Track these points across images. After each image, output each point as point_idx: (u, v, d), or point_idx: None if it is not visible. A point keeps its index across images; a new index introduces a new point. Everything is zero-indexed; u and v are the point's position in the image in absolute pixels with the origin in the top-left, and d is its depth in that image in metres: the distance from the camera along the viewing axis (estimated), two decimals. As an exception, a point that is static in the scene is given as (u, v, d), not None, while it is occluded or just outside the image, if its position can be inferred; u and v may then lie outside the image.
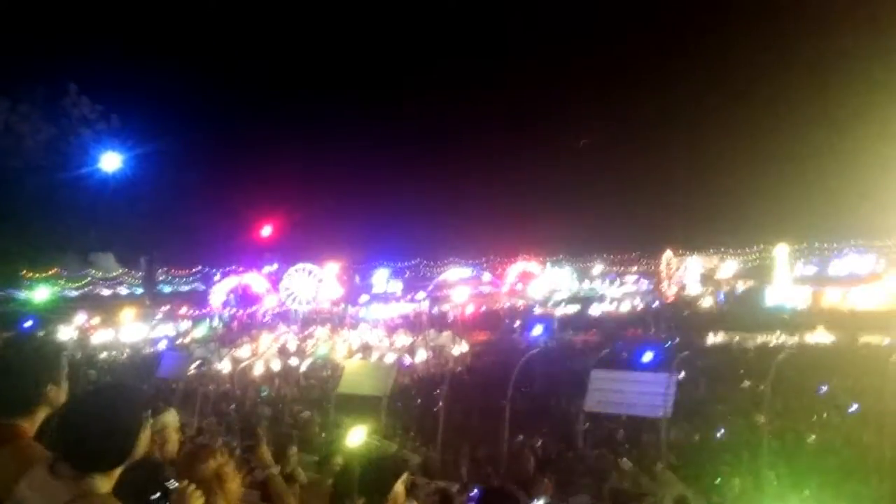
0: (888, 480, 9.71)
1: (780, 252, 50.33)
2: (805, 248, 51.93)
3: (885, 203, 42.72)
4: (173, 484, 2.89)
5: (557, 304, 54.42)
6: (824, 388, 18.89)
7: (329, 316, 48.73)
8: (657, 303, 52.58)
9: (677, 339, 32.28)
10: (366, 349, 32.65)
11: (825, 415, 16.50)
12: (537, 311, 51.52)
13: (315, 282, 52.40)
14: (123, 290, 60.38)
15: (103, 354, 32.77)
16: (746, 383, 20.04)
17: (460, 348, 34.07)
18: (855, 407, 16.01)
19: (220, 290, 52.17)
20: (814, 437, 14.45)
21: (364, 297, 55.70)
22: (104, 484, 2.54)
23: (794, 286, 49.30)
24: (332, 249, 54.81)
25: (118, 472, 2.58)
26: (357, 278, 58.93)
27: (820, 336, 35.33)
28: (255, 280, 53.13)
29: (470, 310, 53.69)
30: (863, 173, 43.39)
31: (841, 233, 50.24)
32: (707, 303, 51.12)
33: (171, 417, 4.17)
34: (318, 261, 54.04)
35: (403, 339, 36.06)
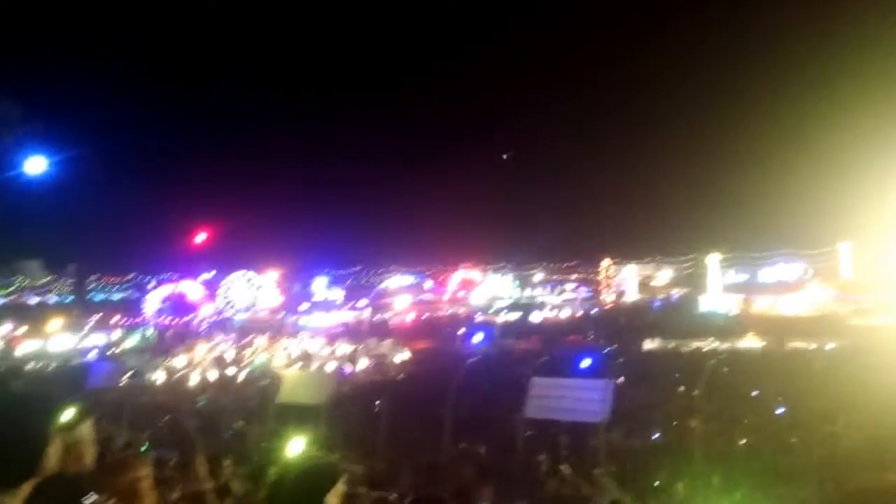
0: (815, 480, 10.02)
1: (713, 261, 51.80)
2: (736, 256, 53.56)
3: (812, 214, 44.44)
4: (90, 498, 2.73)
5: (499, 311, 54.74)
6: (755, 393, 19.43)
7: (268, 324, 47.86)
8: (596, 310, 53.45)
9: (615, 346, 32.84)
10: (306, 358, 32.19)
11: (756, 418, 16.95)
12: (479, 318, 51.70)
13: (253, 290, 51.47)
14: (52, 299, 58.08)
15: (30, 365, 31.45)
16: (681, 388, 20.46)
17: (402, 356, 33.93)
18: (782, 410, 16.51)
19: (155, 299, 50.73)
20: (745, 440, 14.82)
21: (304, 306, 54.93)
22: (10, 502, 2.37)
23: (726, 294, 50.79)
24: (272, 257, 53.94)
25: (25, 488, 2.41)
26: (297, 286, 58.07)
27: (750, 342, 36.44)
28: (190, 288, 51.83)
29: (412, 318, 53.54)
30: (792, 185, 45.09)
31: (770, 242, 52.04)
32: (644, 310, 52.19)
33: (86, 429, 3.96)
34: (257, 268, 53.12)
35: (344, 347, 35.69)
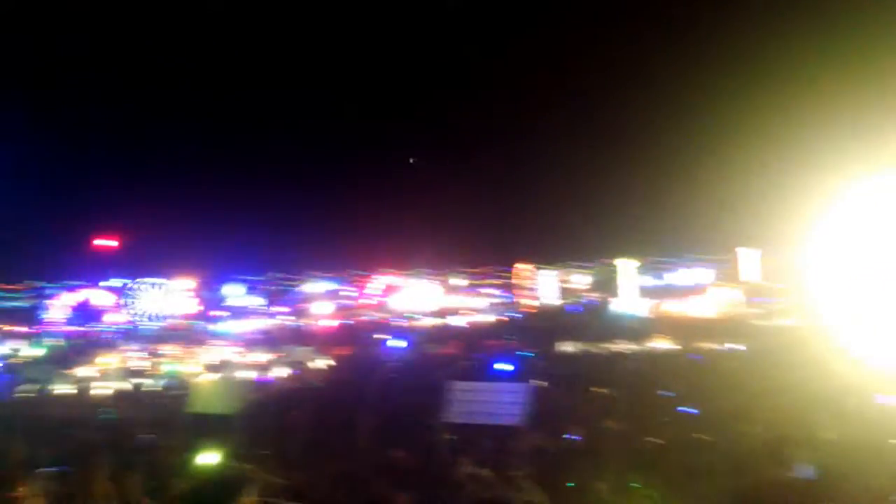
0: (726, 478, 10.33)
1: (626, 266, 53.43)
2: (648, 261, 55.34)
3: (719, 220, 46.32)
4: None
5: (419, 317, 54.76)
6: (666, 393, 20.01)
7: (181, 332, 46.32)
8: (515, 314, 54.20)
9: (535, 349, 33.28)
10: (221, 366, 31.26)
11: (668, 417, 17.43)
12: (400, 324, 51.57)
13: (165, 296, 49.74)
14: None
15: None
16: (601, 390, 20.88)
17: (321, 363, 33.46)
18: (693, 410, 17.01)
19: (59, 306, 48.29)
20: (659, 439, 15.20)
21: (220, 313, 53.46)
22: None
23: (640, 298, 52.45)
24: (185, 263, 52.20)
25: None
26: (212, 293, 56.48)
27: (662, 343, 37.68)
28: (98, 295, 49.60)
29: (331, 324, 52.94)
30: (700, 193, 46.80)
31: (680, 248, 53.99)
32: (561, 314, 53.27)
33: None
34: (170, 274, 51.36)
35: (262, 355, 34.93)
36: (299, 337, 45.67)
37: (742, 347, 33.16)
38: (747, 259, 50.60)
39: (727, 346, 33.73)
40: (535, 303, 57.23)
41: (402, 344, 34.91)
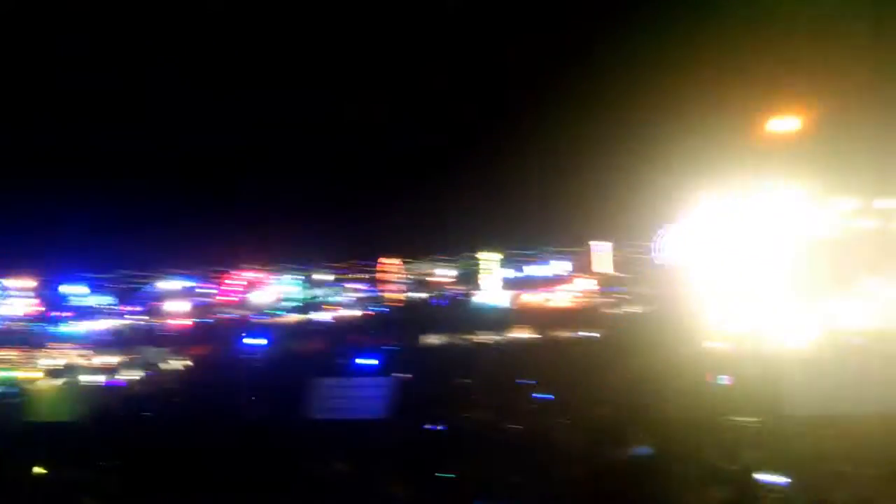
0: (584, 460, 10.82)
1: (489, 258, 54.87)
2: (509, 254, 57.00)
3: (574, 214, 48.41)
4: None
5: (282, 313, 53.60)
6: (526, 381, 20.73)
7: (19, 335, 42.80)
8: (381, 308, 54.20)
9: (399, 343, 33.48)
10: (64, 370, 29.25)
11: (529, 404, 18.05)
12: (261, 321, 50.28)
13: (4, 297, 45.80)
14: None
15: None
16: (464, 380, 21.30)
17: (177, 364, 32.07)
18: (551, 396, 17.73)
19: None
20: (520, 425, 15.73)
21: (63, 313, 49.84)
22: None
23: (501, 289, 54.03)
24: (23, 260, 48.17)
25: None
26: (53, 292, 52.52)
27: (522, 334, 39.01)
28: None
29: (188, 323, 50.77)
30: (556, 188, 48.66)
31: (539, 241, 55.98)
32: (425, 307, 53.87)
33: None
34: (4, 274, 47.29)
35: (111, 357, 32.96)
36: (152, 337, 43.52)
37: (595, 335, 34.98)
38: (600, 251, 53.45)
39: (582, 334, 35.46)
40: (400, 296, 57.50)
41: (263, 342, 34.02)
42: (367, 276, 61.03)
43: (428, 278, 60.12)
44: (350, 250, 58.90)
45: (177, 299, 53.94)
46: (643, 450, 9.20)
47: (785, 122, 20.63)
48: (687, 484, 8.10)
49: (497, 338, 37.17)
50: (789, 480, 7.94)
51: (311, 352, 33.38)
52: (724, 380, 15.03)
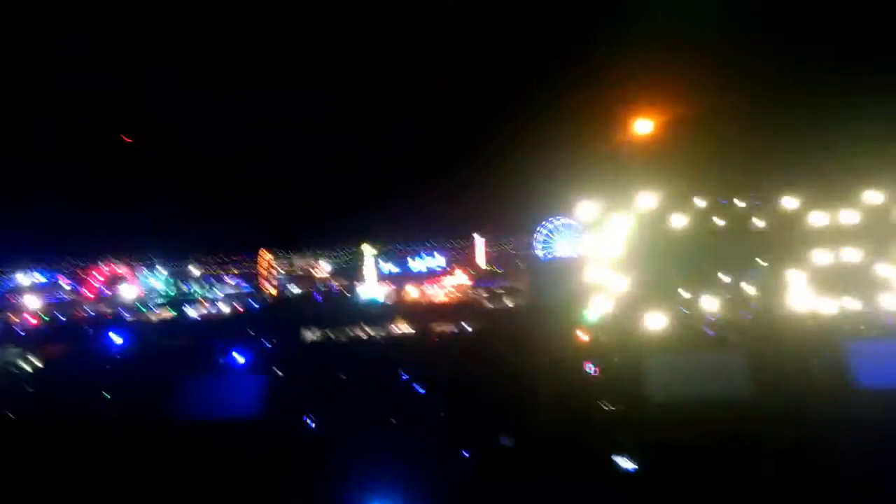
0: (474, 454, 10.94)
1: (369, 253, 54.54)
2: (389, 248, 56.96)
3: (453, 208, 48.99)
4: None
5: (150, 309, 51.10)
6: (405, 376, 20.81)
7: None
8: (257, 304, 52.72)
9: (275, 340, 32.74)
10: None
11: (410, 398, 18.08)
12: (127, 317, 47.76)
13: None
14: None
15: None
16: (343, 376, 21.08)
17: (31, 363, 29.96)
18: (421, 389, 17.86)
19: None
20: (396, 419, 15.74)
21: None
22: None
23: (382, 283, 53.89)
24: None
25: None
26: None
27: (402, 328, 39.13)
28: None
29: (44, 320, 47.45)
30: (437, 183, 49.04)
31: (418, 235, 56.20)
32: (304, 302, 52.89)
33: None
34: None
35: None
36: (7, 335, 40.37)
37: (474, 328, 35.65)
38: (478, 246, 54.47)
39: (457, 328, 36.06)
40: (276, 291, 56.17)
41: (120, 340, 32.28)
42: (243, 270, 59.21)
43: (307, 272, 59.11)
44: (226, 243, 56.87)
45: (31, 295, 50.25)
46: (506, 440, 9.47)
47: (649, 124, 21.80)
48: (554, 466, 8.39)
49: (376, 333, 37.05)
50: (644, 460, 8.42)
51: (179, 349, 32.06)
52: (592, 369, 15.69)
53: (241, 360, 14.24)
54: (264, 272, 56.79)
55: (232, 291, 56.45)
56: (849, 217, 27.73)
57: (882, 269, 27.54)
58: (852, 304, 27.72)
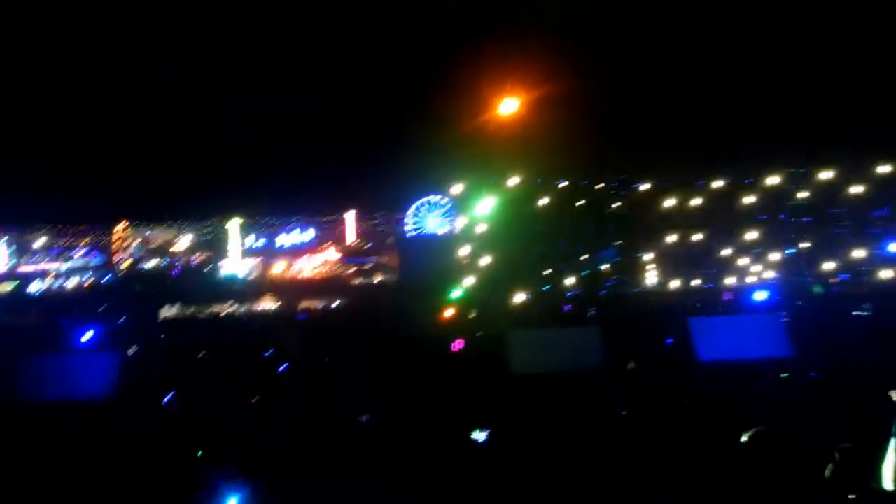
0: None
1: (233, 225, 52.74)
2: (255, 221, 55.39)
3: (323, 184, 48.22)
4: None
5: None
6: (269, 352, 20.42)
7: None
8: (109, 278, 49.85)
9: (128, 316, 31.19)
10: None
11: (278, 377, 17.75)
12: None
13: None
14: None
15: None
16: (202, 355, 20.41)
17: None
18: (285, 366, 17.58)
19: None
20: (258, 396, 15.43)
21: None
22: None
23: (246, 258, 52.36)
24: None
25: None
26: None
27: (268, 304, 38.39)
28: None
29: None
30: (307, 157, 48.00)
31: (286, 208, 54.90)
32: (162, 276, 50.62)
33: None
34: None
35: None
36: None
37: (340, 303, 35.59)
38: (349, 222, 53.97)
39: (323, 304, 35.88)
40: (134, 264, 53.30)
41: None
42: (96, 241, 55.67)
43: (165, 245, 56.44)
44: (77, 211, 53.05)
45: None
46: (366, 418, 9.60)
47: (515, 103, 22.42)
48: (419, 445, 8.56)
49: (243, 309, 36.16)
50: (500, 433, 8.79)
51: (26, 325, 29.98)
52: (457, 345, 16.11)
53: (89, 335, 13.43)
54: (118, 244, 53.65)
55: (81, 264, 53.00)
56: (695, 201, 29.93)
57: (724, 251, 30.03)
58: (696, 282, 30.09)
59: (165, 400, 14.67)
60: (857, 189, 29.41)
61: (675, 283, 30.20)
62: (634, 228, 30.83)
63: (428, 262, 31.90)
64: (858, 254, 29.54)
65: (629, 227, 30.84)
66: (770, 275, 29.93)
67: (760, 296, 20.69)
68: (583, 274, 29.77)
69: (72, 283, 48.23)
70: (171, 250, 55.89)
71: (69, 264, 53.08)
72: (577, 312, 25.31)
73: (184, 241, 56.95)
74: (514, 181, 29.42)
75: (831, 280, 29.81)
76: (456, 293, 26.99)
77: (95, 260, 53.91)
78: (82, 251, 55.27)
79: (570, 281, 29.48)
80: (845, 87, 27.81)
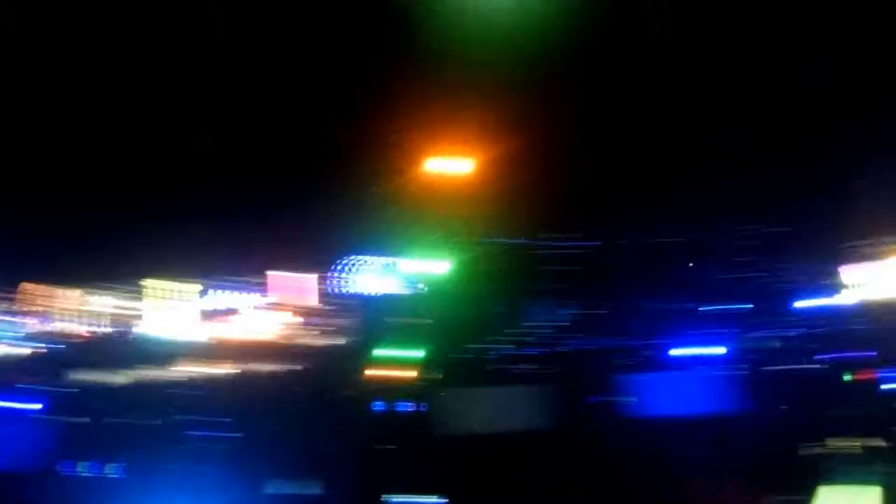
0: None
1: (173, 286, 51.55)
2: (196, 282, 54.22)
3: (257, 242, 47.58)
4: None
5: None
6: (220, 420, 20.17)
7: None
8: (53, 344, 47.72)
9: (73, 383, 30.37)
10: None
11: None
12: None
13: None
14: None
15: None
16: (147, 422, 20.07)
17: None
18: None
19: None
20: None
21: None
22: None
23: (188, 320, 51.07)
24: None
25: None
26: None
27: (213, 367, 37.64)
28: None
29: None
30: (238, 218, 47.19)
31: (234, 268, 53.73)
32: (105, 341, 48.81)
33: None
34: None
35: None
36: None
37: (298, 366, 35.08)
38: (313, 283, 52.99)
39: (284, 366, 35.39)
40: (50, 329, 50.96)
41: None
42: (9, 305, 53.13)
43: (87, 308, 54.27)
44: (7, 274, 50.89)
45: None
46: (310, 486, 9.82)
47: (451, 163, 22.84)
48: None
49: (188, 372, 35.35)
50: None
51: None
52: (380, 406, 16.28)
53: (32, 407, 13.12)
54: (33, 307, 51.36)
55: (25, 329, 50.62)
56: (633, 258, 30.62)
57: (653, 311, 30.49)
58: (626, 341, 30.51)
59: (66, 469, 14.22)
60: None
61: (610, 341, 30.57)
62: (572, 286, 31.29)
63: (362, 322, 31.86)
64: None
65: (566, 284, 31.30)
66: (709, 331, 30.37)
67: (696, 351, 20.73)
68: (517, 332, 30.02)
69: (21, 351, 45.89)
70: (95, 313, 53.69)
71: (13, 330, 50.64)
72: (507, 372, 25.40)
73: (125, 305, 55.11)
74: (451, 240, 29.85)
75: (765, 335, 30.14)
76: (385, 353, 26.69)
77: (41, 325, 51.53)
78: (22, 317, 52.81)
79: (506, 339, 29.69)
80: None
